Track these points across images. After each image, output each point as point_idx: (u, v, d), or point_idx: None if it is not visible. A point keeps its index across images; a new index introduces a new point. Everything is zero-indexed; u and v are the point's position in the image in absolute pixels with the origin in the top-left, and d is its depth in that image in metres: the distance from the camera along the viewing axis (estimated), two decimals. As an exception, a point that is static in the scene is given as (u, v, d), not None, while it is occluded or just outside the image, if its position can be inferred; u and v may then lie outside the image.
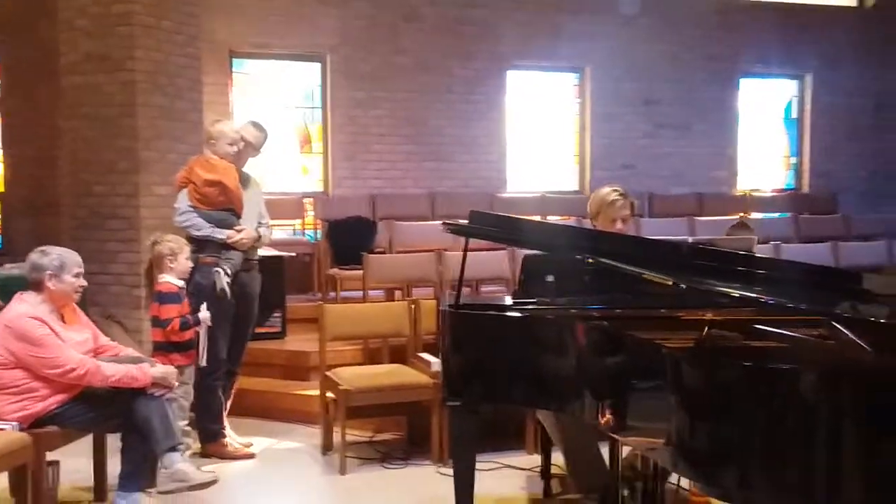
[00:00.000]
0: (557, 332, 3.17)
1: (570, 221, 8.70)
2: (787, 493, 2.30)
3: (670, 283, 2.96)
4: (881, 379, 2.33)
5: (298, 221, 8.85)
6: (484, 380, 3.32)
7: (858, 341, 2.61)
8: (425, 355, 5.16)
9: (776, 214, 10.18)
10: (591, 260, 3.30)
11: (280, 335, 6.48)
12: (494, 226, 3.49)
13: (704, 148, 10.37)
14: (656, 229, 8.24)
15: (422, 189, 9.27)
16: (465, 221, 3.51)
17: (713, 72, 10.34)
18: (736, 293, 2.87)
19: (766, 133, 11.01)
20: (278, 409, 5.79)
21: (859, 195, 10.64)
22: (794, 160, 11.11)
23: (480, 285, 7.10)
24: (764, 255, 3.80)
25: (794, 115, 11.07)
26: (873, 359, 2.47)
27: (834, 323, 2.70)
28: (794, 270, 3.30)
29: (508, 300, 3.88)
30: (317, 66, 9.21)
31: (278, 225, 7.99)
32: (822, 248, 8.20)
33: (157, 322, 4.56)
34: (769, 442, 2.32)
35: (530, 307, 3.59)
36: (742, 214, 8.68)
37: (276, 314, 6.45)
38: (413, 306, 5.42)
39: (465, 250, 3.50)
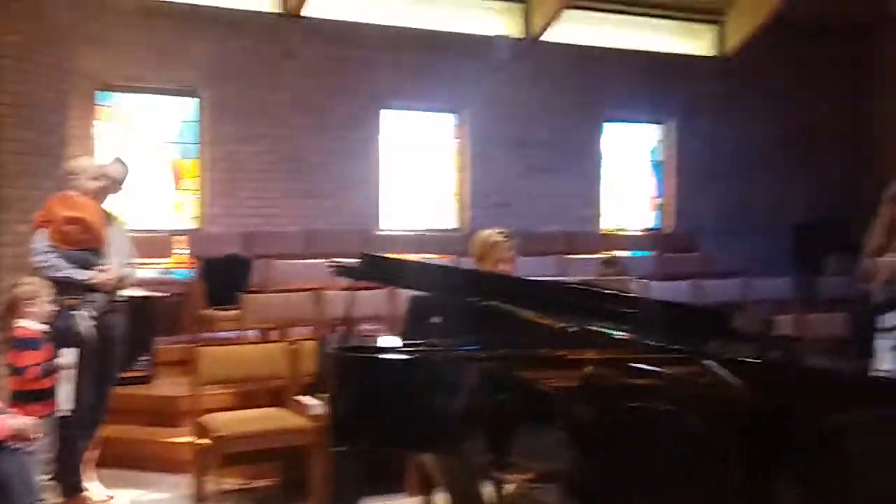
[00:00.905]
0: (446, 374, 3.17)
1: (449, 259, 8.76)
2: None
3: (558, 326, 3.00)
4: (754, 415, 2.42)
5: (168, 260, 8.55)
6: (372, 424, 3.26)
7: (730, 379, 2.71)
8: (304, 398, 5.04)
9: (640, 253, 10.60)
10: (478, 301, 3.32)
11: (147, 379, 6.20)
12: (384, 268, 3.46)
13: (573, 188, 10.73)
14: (529, 268, 8.38)
15: (298, 226, 9.17)
16: (351, 261, 3.48)
17: (581, 116, 10.74)
18: (616, 334, 2.94)
19: (632, 175, 11.49)
20: (146, 459, 5.51)
21: (719, 235, 11.20)
22: (659, 201, 11.62)
23: (359, 324, 7.03)
24: (638, 295, 3.91)
25: (660, 158, 11.60)
26: (745, 395, 2.57)
27: (706, 361, 2.80)
28: (669, 310, 3.42)
29: (395, 341, 3.85)
30: (192, 101, 9.00)
31: (147, 264, 7.69)
32: (685, 285, 8.55)
33: (15, 370, 4.28)
34: (656, 478, 2.37)
35: (418, 349, 3.57)
36: (611, 255, 8.96)
37: (143, 357, 6.17)
38: (292, 347, 5.31)
39: (351, 288, 3.46)
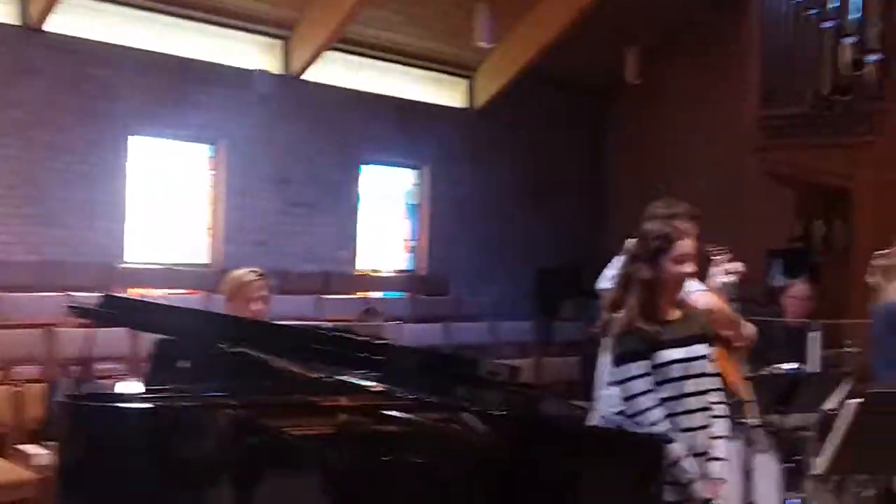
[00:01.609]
0: (190, 423, 3.00)
1: (200, 295, 8.42)
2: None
3: (311, 375, 2.96)
4: (502, 463, 2.51)
5: None
6: (105, 480, 3.01)
7: (478, 427, 2.80)
8: (28, 447, 4.60)
9: (395, 294, 10.78)
10: (228, 347, 3.19)
11: None
12: (128, 310, 3.25)
13: (331, 228, 10.72)
14: (285, 307, 8.27)
15: (30, 256, 8.41)
16: (91, 299, 3.22)
17: (339, 156, 10.80)
18: (369, 385, 2.95)
19: (388, 217, 11.70)
20: None
21: (470, 278, 11.65)
22: (413, 244, 11.91)
23: (97, 365, 6.55)
24: (390, 343, 3.96)
25: (414, 201, 11.91)
26: (494, 443, 2.66)
27: (464, 414, 2.88)
28: (417, 357, 3.49)
29: (137, 387, 3.61)
30: None
31: None
32: (437, 327, 8.81)
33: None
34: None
35: (161, 395, 3.36)
36: (370, 307, 8.98)
37: None
38: (17, 390, 4.84)
39: (88, 325, 3.20)
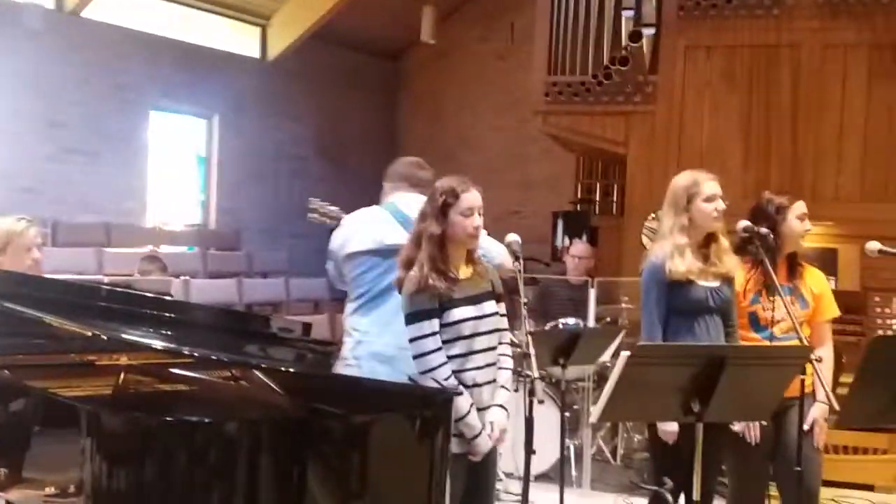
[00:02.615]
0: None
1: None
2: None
3: (89, 334, 2.78)
4: (292, 420, 2.49)
5: None
6: None
7: (270, 383, 2.77)
8: None
9: (185, 248, 10.37)
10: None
11: None
12: None
13: (114, 177, 10.10)
14: (62, 261, 7.74)
15: None
16: None
17: (123, 101, 10.17)
18: (153, 343, 2.82)
19: (178, 168, 11.19)
20: None
21: (261, 234, 11.41)
22: (202, 197, 11.48)
23: None
24: (179, 300, 3.82)
25: (204, 153, 11.46)
26: (284, 400, 2.64)
27: (255, 371, 2.83)
28: (207, 314, 3.38)
29: None
30: None
31: None
32: (229, 283, 8.57)
33: None
34: (190, 487, 2.32)
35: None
36: (152, 248, 8.64)
37: None
38: None
39: None
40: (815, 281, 3.67)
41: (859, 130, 7.22)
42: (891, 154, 7.14)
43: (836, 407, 2.86)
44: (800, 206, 3.62)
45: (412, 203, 3.47)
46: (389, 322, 3.38)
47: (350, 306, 3.61)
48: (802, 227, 3.60)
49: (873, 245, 3.39)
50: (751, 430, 3.46)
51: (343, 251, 3.61)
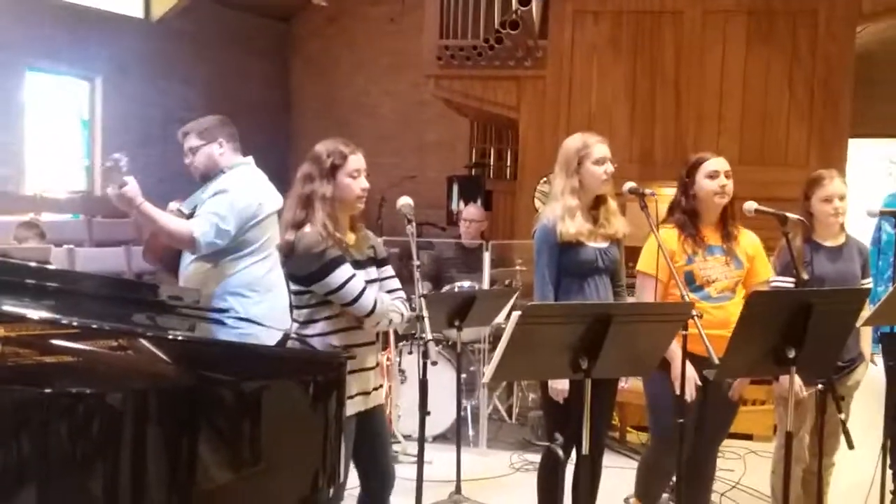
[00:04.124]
0: None
1: None
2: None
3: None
4: (181, 389, 2.44)
5: None
6: None
7: (157, 352, 2.70)
8: None
9: (69, 216, 9.95)
10: None
11: None
12: None
13: (-12, 142, 9.60)
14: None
15: None
16: None
17: (-2, 60, 9.64)
18: (27, 313, 2.70)
19: (59, 132, 10.69)
20: None
21: (150, 200, 11.00)
22: (86, 162, 11.02)
23: None
24: (61, 268, 3.67)
25: (87, 116, 10.98)
26: (172, 369, 2.58)
27: (141, 339, 2.75)
28: (92, 283, 3.27)
29: None
30: None
31: None
32: (117, 252, 8.29)
33: None
34: (72, 462, 2.26)
35: None
36: (33, 216, 8.25)
37: None
38: None
39: None
40: (749, 242, 3.73)
41: (738, 95, 7.50)
42: (766, 118, 7.46)
43: (716, 360, 2.98)
44: (711, 164, 3.63)
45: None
46: None
47: (258, 266, 3.62)
48: (713, 185, 3.60)
49: (750, 205, 3.54)
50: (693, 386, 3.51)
51: (261, 212, 3.68)
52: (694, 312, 2.96)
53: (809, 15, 7.34)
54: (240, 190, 3.68)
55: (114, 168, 3.40)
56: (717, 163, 3.65)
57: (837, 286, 3.70)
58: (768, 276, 3.76)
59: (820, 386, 3.32)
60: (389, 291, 3.23)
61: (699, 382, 3.47)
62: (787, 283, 3.68)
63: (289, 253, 3.06)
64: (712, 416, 3.58)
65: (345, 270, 3.02)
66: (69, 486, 2.26)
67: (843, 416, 3.26)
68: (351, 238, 3.17)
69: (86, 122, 10.99)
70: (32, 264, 3.17)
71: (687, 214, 3.65)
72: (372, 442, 3.19)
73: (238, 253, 3.66)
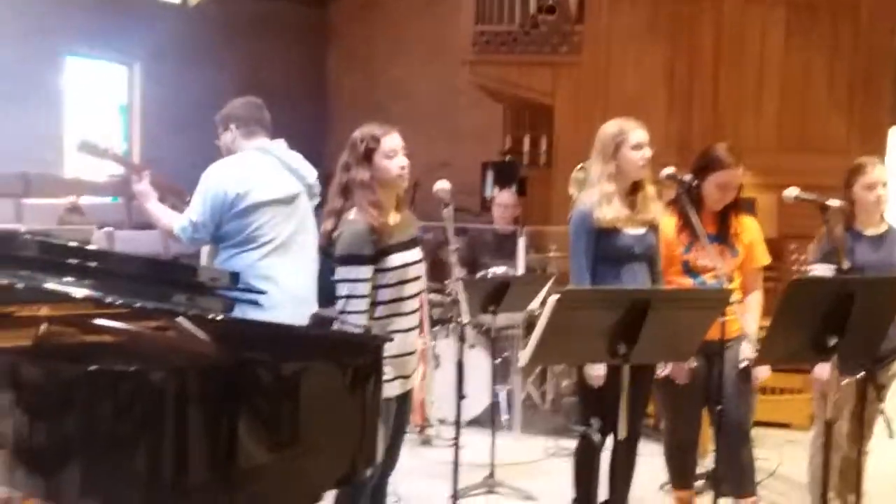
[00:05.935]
0: None
1: None
2: (134, 485, 2.30)
3: (4, 282, 2.70)
4: (221, 369, 2.47)
5: None
6: None
7: (197, 333, 2.73)
8: None
9: (109, 199, 10.08)
10: None
11: None
12: None
13: (28, 125, 9.71)
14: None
15: None
16: None
17: (36, 46, 9.75)
18: (74, 292, 2.75)
19: (98, 116, 10.82)
20: None
21: (186, 184, 11.10)
22: (125, 146, 11.15)
23: None
24: (102, 249, 3.73)
25: (125, 102, 11.11)
26: (212, 349, 2.61)
27: (178, 318, 2.78)
28: (132, 264, 3.30)
29: None
30: None
31: None
32: (154, 234, 8.37)
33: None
34: (116, 439, 2.29)
35: None
36: (74, 198, 8.37)
37: None
38: None
39: None
40: (747, 229, 3.74)
41: (777, 83, 7.40)
42: (805, 106, 7.36)
43: (757, 347, 2.96)
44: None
45: (285, 149, 3.81)
46: (301, 266, 3.59)
47: (248, 256, 3.62)
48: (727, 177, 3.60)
49: (791, 191, 3.49)
50: (672, 371, 3.55)
51: (246, 201, 3.62)
52: (734, 299, 2.94)
53: (851, 9, 7.25)
54: (214, 180, 3.66)
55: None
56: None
57: (879, 275, 3.65)
58: (765, 262, 3.79)
59: (861, 374, 3.28)
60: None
61: (691, 366, 3.50)
62: (828, 270, 3.64)
63: (328, 241, 3.10)
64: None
65: (363, 270, 3.03)
66: (112, 461, 2.30)
67: (883, 405, 3.22)
68: (395, 218, 3.18)
69: (124, 108, 11.11)
70: (74, 244, 3.22)
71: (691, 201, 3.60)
72: (392, 423, 3.21)
73: (225, 242, 3.66)
